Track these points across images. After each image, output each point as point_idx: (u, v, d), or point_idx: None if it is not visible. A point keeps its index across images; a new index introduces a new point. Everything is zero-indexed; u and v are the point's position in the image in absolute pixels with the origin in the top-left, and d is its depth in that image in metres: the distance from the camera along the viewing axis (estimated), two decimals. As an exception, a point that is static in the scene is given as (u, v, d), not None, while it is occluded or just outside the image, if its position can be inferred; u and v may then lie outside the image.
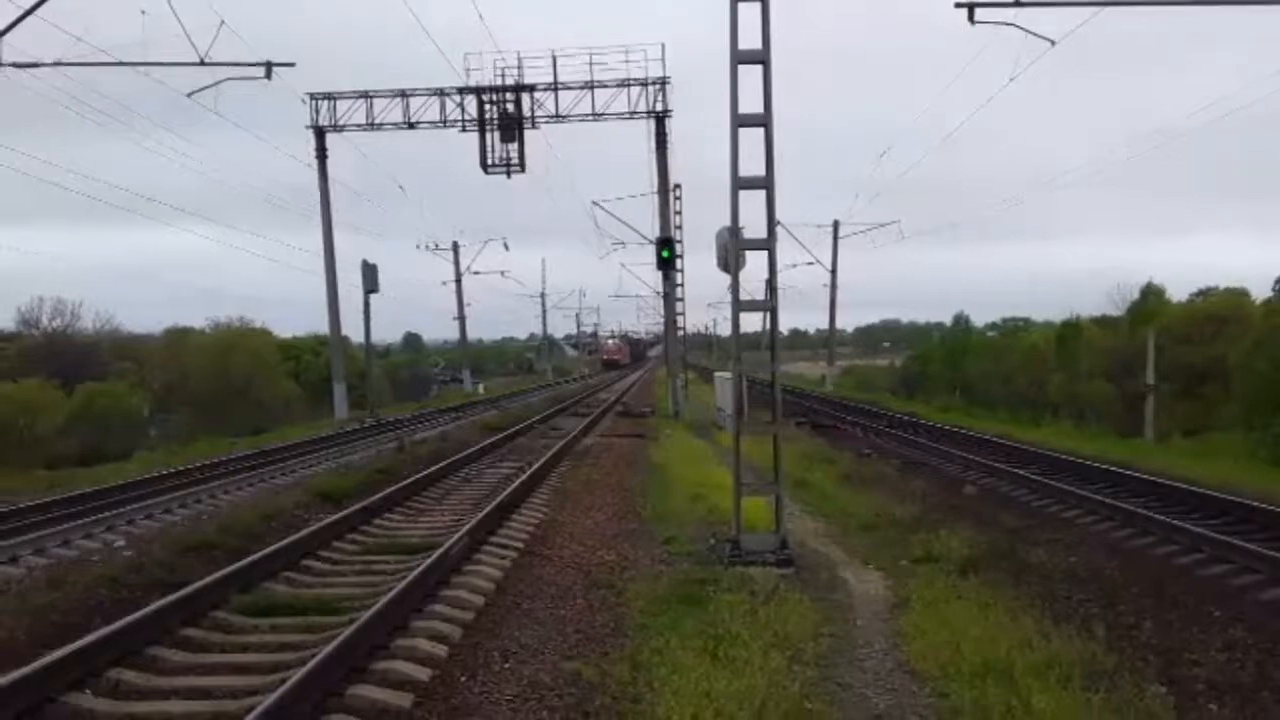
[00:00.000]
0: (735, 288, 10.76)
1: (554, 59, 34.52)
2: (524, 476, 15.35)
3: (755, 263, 10.91)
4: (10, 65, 21.56)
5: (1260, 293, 34.91)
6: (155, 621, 7.23)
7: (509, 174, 34.57)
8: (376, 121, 35.54)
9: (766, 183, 10.10)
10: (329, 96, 35.88)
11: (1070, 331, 39.12)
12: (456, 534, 10.32)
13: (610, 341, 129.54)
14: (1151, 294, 38.87)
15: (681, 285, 35.88)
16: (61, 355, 43.65)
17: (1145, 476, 16.48)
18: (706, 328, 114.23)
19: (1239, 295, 36.08)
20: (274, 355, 49.89)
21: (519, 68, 34.48)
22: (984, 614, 7.93)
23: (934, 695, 6.52)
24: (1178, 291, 39.55)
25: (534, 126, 34.83)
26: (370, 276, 36.83)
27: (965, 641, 7.13)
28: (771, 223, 10.30)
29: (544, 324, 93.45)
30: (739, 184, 10.12)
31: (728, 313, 11.08)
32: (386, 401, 49.19)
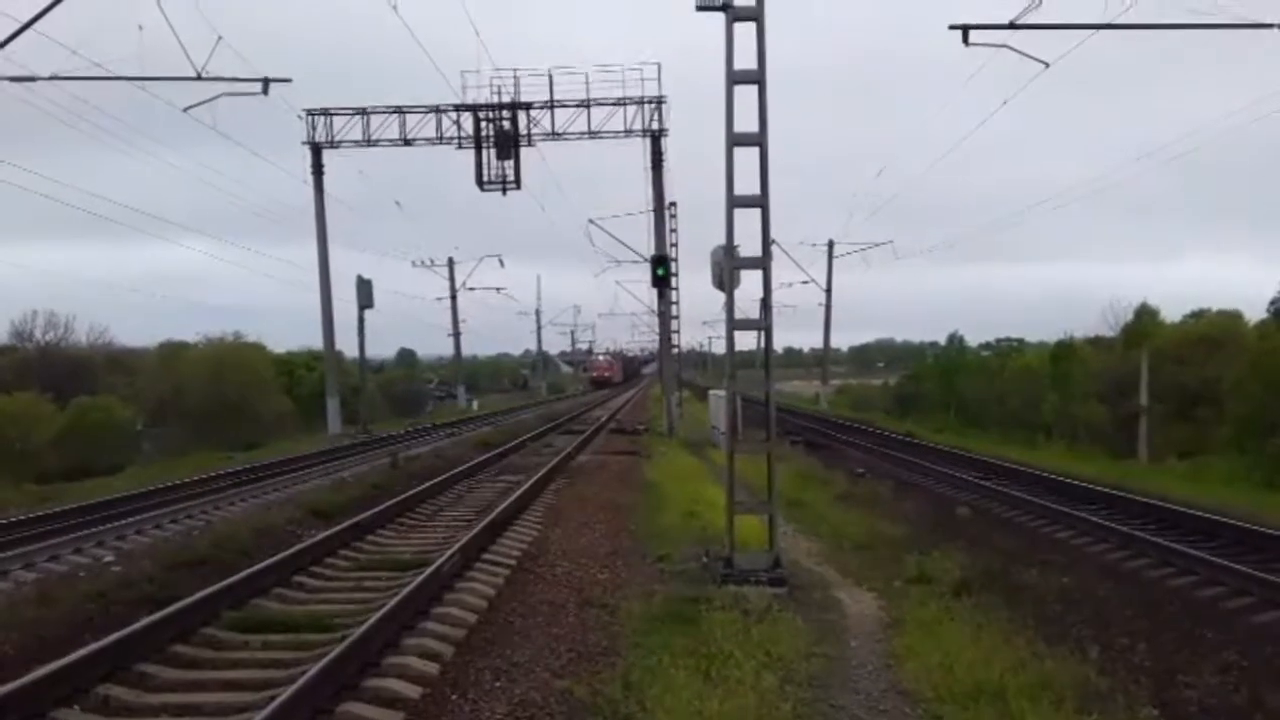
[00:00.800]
0: (730, 306, 10.77)
1: (550, 77, 34.73)
2: (517, 494, 15.32)
3: (750, 281, 10.93)
4: (6, 79, 21.63)
5: (1255, 315, 35.01)
6: (145, 638, 7.19)
7: (505, 191, 34.67)
8: (373, 138, 35.67)
9: (761, 202, 10.14)
10: (325, 113, 36.02)
11: (1064, 352, 39.17)
12: (449, 551, 10.27)
13: (599, 357, 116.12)
14: (1145, 315, 38.97)
15: (677, 303, 35.95)
16: (54, 369, 43.57)
17: (1138, 498, 16.49)
18: (701, 345, 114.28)
19: (1232, 317, 36.19)
20: (268, 370, 49.80)
21: (515, 86, 34.66)
22: (977, 635, 7.92)
23: (927, 717, 6.51)
24: (1172, 313, 39.66)
25: (530, 144, 34.99)
26: (365, 292, 36.86)
27: (958, 663, 7.11)
28: (766, 241, 10.34)
29: (539, 340, 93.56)
30: (734, 203, 10.15)
31: (722, 331, 11.10)
32: (381, 417, 49.10)
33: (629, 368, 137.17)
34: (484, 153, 34.47)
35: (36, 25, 19.67)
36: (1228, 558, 11.62)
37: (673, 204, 35.38)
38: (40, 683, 6.04)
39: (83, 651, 6.65)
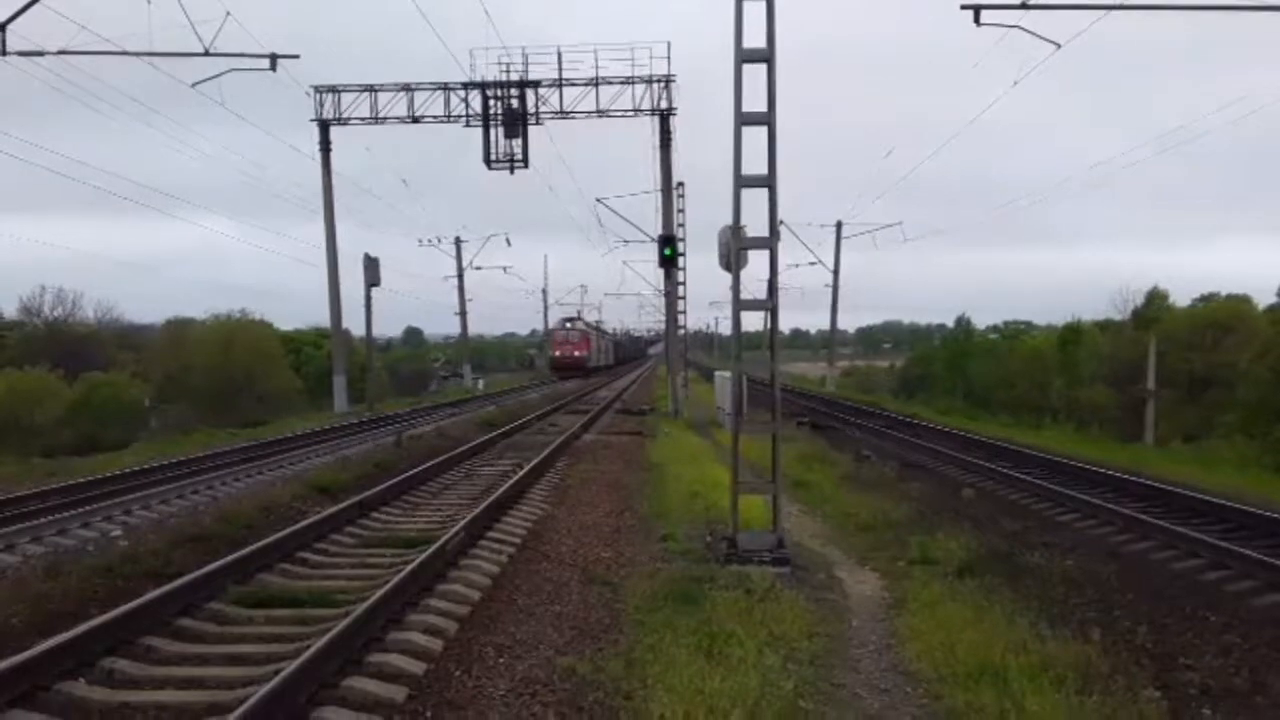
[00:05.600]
0: (736, 287, 10.75)
1: (559, 55, 34.55)
2: (522, 472, 15.35)
3: (757, 262, 10.91)
4: (15, 54, 21.60)
5: (1264, 299, 34.91)
6: (150, 611, 7.23)
7: (512, 170, 34.56)
8: (381, 115, 35.60)
9: (769, 182, 10.09)
10: (334, 89, 35.96)
11: (1071, 335, 39.10)
12: (453, 528, 10.31)
13: (566, 327, 77.63)
14: (1156, 299, 38.84)
15: (683, 283, 35.82)
16: (63, 344, 43.72)
17: (1144, 481, 16.47)
18: (708, 326, 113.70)
19: (1241, 302, 36.07)
20: (275, 347, 49.91)
21: (524, 63, 34.51)
22: (980, 616, 7.93)
23: (928, 697, 6.53)
24: (1182, 297, 39.56)
25: (538, 122, 34.85)
26: (372, 270, 36.85)
27: (960, 643, 7.13)
28: (774, 222, 10.30)
29: (545, 320, 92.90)
30: (741, 183, 10.11)
31: (729, 311, 11.07)
32: (387, 395, 49.20)
33: (626, 348, 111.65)
34: (492, 131, 34.37)
35: (44, 0, 19.64)
36: (1232, 541, 11.60)
37: (680, 184, 35.24)
38: (47, 655, 6.08)
39: (89, 625, 6.69)
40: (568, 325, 77.55)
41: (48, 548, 11.04)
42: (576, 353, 74.32)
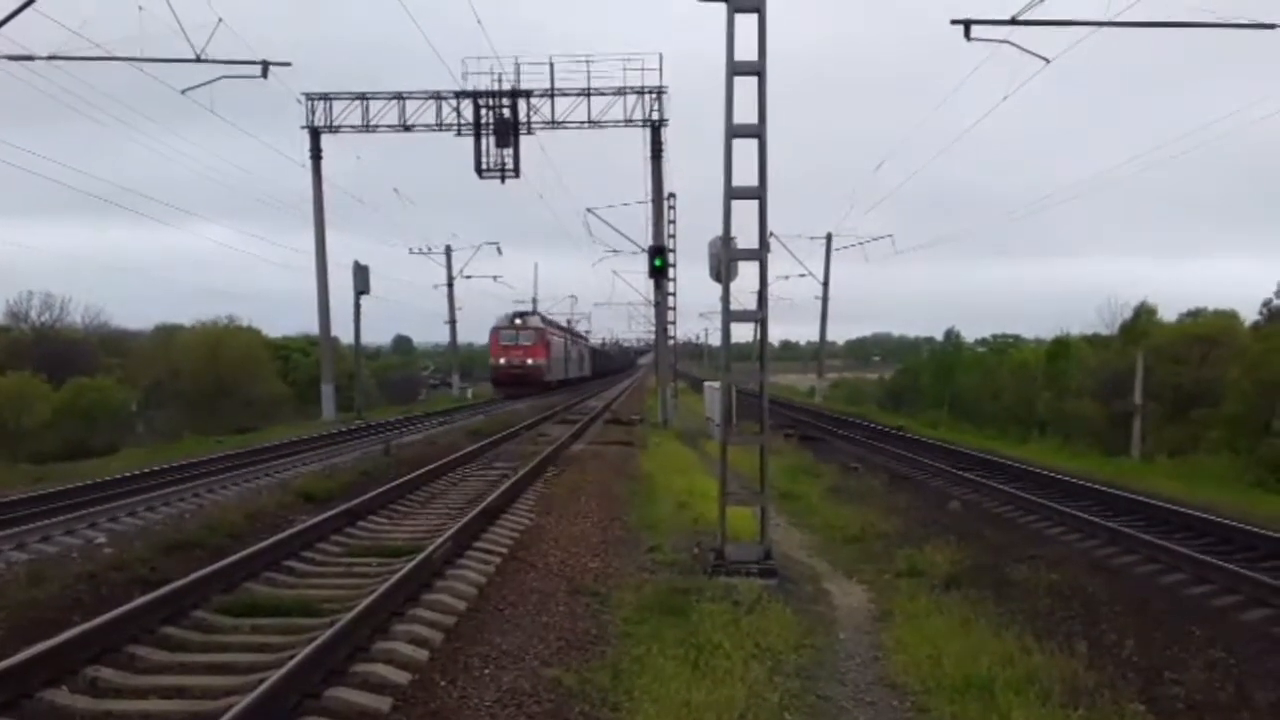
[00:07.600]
0: (726, 298, 10.76)
1: (551, 65, 34.63)
2: (510, 482, 15.32)
3: (748, 273, 10.93)
4: (5, 58, 21.55)
5: (1250, 315, 35.11)
6: (135, 619, 7.19)
7: (503, 179, 34.65)
8: (372, 123, 35.63)
9: (759, 193, 10.13)
10: (325, 97, 35.96)
11: (1059, 349, 39.28)
12: (440, 538, 10.28)
13: (517, 324, 56.79)
14: (1144, 313, 39.04)
15: (674, 294, 35.92)
16: (50, 350, 43.52)
17: (1130, 496, 16.54)
18: (698, 337, 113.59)
19: (1228, 317, 36.28)
20: (263, 354, 49.78)
21: (516, 73, 34.59)
22: (966, 629, 7.95)
23: (914, 710, 6.53)
24: (1172, 313, 39.74)
25: (529, 132, 34.95)
26: (362, 278, 36.78)
27: (946, 656, 7.14)
28: (763, 233, 10.34)
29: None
30: (732, 194, 10.14)
31: (719, 322, 11.09)
32: (376, 404, 49.06)
33: (612, 357, 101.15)
34: (483, 140, 34.45)
35: (36, 4, 19.59)
36: (1216, 556, 11.66)
37: (671, 195, 35.35)
38: (29, 663, 6.04)
39: (72, 632, 6.64)
40: (517, 322, 56.91)
41: (32, 555, 10.98)
42: (529, 360, 54.34)
